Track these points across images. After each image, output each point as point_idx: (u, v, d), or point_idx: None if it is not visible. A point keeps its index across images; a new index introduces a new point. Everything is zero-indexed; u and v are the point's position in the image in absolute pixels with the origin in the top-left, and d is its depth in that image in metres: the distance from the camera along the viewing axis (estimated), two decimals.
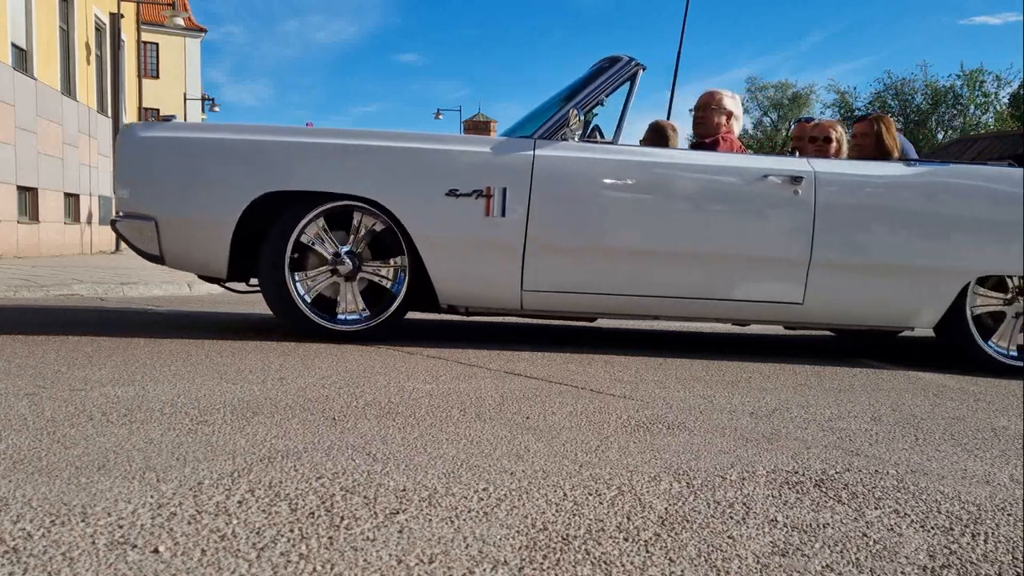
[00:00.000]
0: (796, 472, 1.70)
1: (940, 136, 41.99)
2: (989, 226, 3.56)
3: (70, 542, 1.13)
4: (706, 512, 1.41)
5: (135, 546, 1.13)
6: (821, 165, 3.54)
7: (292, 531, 1.22)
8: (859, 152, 3.90)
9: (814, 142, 3.99)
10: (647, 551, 1.22)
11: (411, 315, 4.79)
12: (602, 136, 3.78)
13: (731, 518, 1.38)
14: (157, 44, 28.05)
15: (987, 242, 3.56)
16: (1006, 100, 42.11)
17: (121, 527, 1.19)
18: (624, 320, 4.70)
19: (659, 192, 3.48)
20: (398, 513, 1.32)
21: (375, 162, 3.35)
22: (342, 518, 1.28)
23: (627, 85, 3.55)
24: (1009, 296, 3.66)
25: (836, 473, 1.71)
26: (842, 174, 3.56)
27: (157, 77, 28.13)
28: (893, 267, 3.51)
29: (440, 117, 37.27)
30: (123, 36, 16.67)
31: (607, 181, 3.44)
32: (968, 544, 1.32)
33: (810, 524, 1.37)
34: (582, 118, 3.42)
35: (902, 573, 1.19)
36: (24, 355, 2.66)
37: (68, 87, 14.10)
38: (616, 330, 4.68)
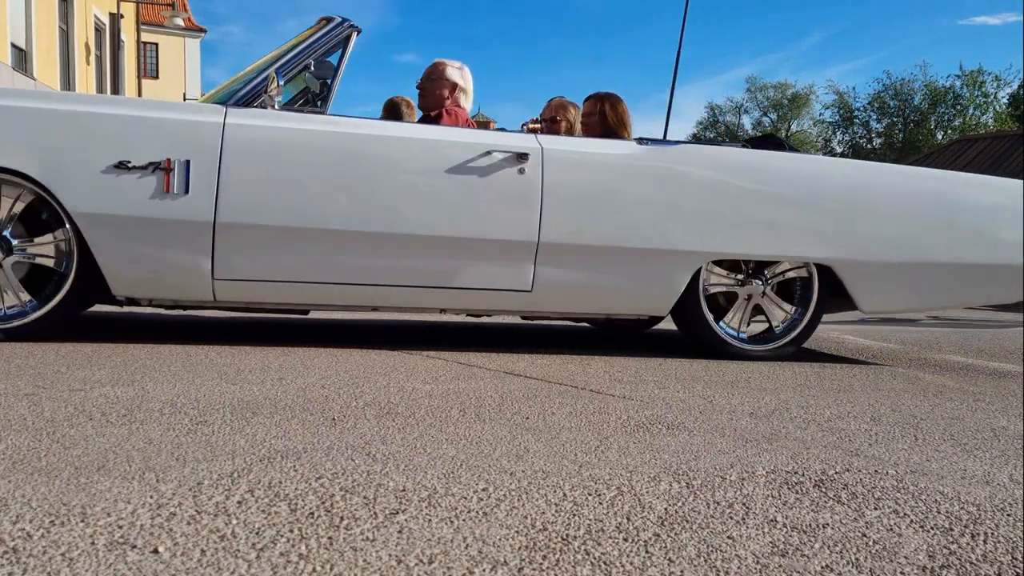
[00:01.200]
0: (796, 472, 1.70)
1: (940, 136, 41.99)
2: (723, 208, 3.46)
3: (69, 542, 1.13)
4: (706, 512, 1.41)
5: (135, 546, 1.13)
6: (549, 142, 3.34)
7: (292, 531, 1.22)
8: (587, 131, 3.78)
9: (546, 122, 3.91)
10: (647, 551, 1.22)
11: (410, 316, 4.79)
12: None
13: (731, 518, 1.38)
14: (157, 44, 28.05)
15: (719, 225, 3.45)
16: (1005, 100, 42.12)
17: (121, 527, 1.19)
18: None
19: (369, 168, 3.16)
20: (398, 513, 1.32)
21: (25, 126, 2.87)
22: (342, 518, 1.28)
23: (340, 49, 3.25)
24: (742, 277, 3.60)
25: (836, 473, 1.71)
26: (571, 152, 3.38)
27: (157, 77, 28.13)
28: (626, 251, 3.35)
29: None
30: (123, 36, 16.69)
31: (310, 155, 3.09)
32: (968, 544, 1.33)
33: (810, 524, 1.37)
34: (282, 83, 3.07)
35: (901, 573, 1.19)
36: (23, 355, 2.66)
37: (68, 87, 14.10)
38: (615, 330, 4.68)
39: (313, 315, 4.49)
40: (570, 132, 3.87)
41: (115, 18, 15.55)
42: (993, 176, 4.13)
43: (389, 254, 3.19)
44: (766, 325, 3.67)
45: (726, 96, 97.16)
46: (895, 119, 46.15)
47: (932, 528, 1.39)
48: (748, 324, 3.63)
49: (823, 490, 1.58)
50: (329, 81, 3.20)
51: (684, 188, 3.44)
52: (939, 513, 1.48)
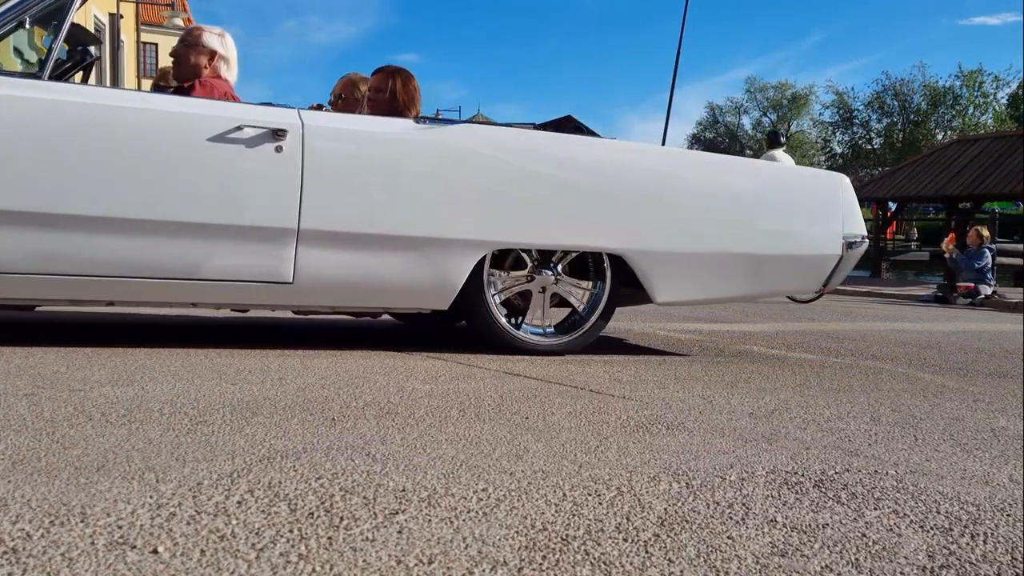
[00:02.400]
0: (795, 472, 1.70)
1: (939, 136, 42.02)
2: (508, 194, 3.23)
3: (69, 542, 1.13)
4: (705, 512, 1.41)
5: (134, 546, 1.13)
6: (312, 118, 3.03)
7: (291, 531, 1.22)
8: (374, 108, 3.46)
9: (337, 100, 3.72)
10: (646, 551, 1.22)
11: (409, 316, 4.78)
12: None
13: (730, 518, 1.38)
14: (156, 44, 28.04)
15: (504, 212, 3.22)
16: (1004, 101, 42.15)
17: (120, 527, 1.19)
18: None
19: (99, 143, 2.77)
20: (397, 513, 1.32)
21: None
22: (341, 518, 1.28)
23: (67, 8, 2.86)
24: (528, 273, 3.39)
25: (835, 473, 1.71)
26: (337, 129, 3.08)
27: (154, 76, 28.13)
28: (400, 239, 3.07)
29: (440, 117, 37.39)
30: (122, 37, 16.69)
31: (30, 126, 2.69)
32: (967, 544, 1.33)
33: (809, 524, 1.38)
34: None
35: (901, 573, 1.19)
36: (23, 355, 2.66)
37: None
38: (615, 329, 4.68)
39: (313, 315, 4.49)
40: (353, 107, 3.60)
41: (115, 18, 15.56)
42: (811, 168, 4.09)
43: (124, 242, 2.79)
44: (567, 318, 3.52)
45: (726, 96, 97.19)
46: (895, 119, 46.20)
47: (932, 528, 1.40)
48: (547, 317, 3.45)
49: (823, 490, 1.58)
50: (53, 43, 2.79)
51: (465, 172, 3.19)
52: (939, 513, 1.48)
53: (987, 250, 9.94)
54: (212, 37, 3.39)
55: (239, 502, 1.33)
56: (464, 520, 1.30)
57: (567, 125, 3.63)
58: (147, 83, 24.26)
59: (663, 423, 2.12)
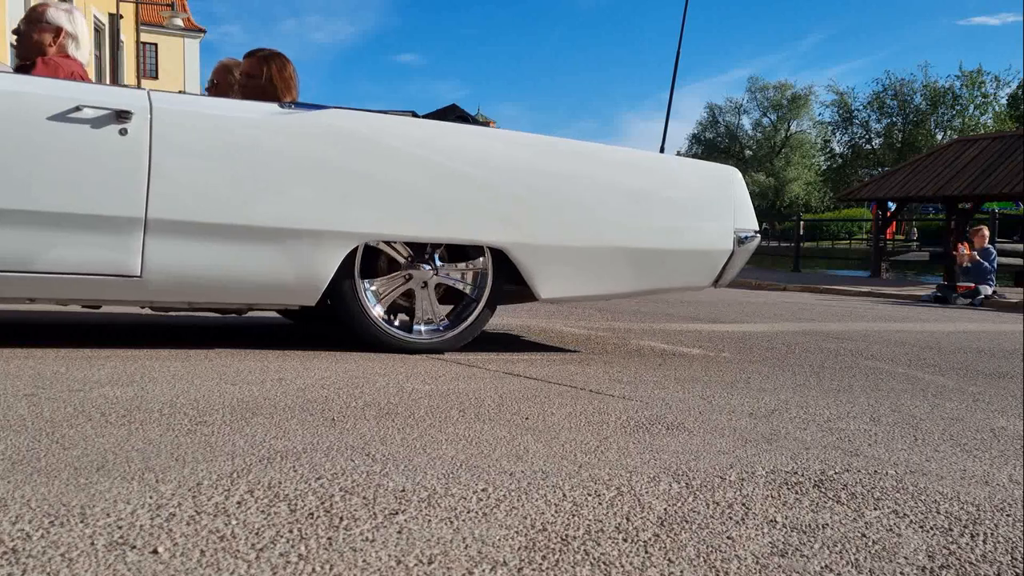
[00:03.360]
0: (795, 472, 1.70)
1: (939, 136, 42.01)
2: (381, 184, 3.05)
3: (69, 543, 1.13)
4: (705, 513, 1.41)
5: (134, 547, 1.13)
6: (162, 99, 2.83)
7: (291, 532, 1.22)
8: (246, 95, 3.29)
9: (211, 87, 3.56)
10: (646, 551, 1.22)
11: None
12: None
13: (730, 519, 1.38)
14: (156, 45, 28.07)
15: (376, 203, 3.05)
16: (1004, 101, 42.16)
17: (120, 528, 1.19)
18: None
19: None
20: (397, 514, 1.32)
21: None
22: (341, 519, 1.28)
23: None
24: (404, 272, 3.22)
25: (835, 474, 1.71)
26: (191, 112, 2.89)
27: (156, 78, 28.14)
28: (261, 230, 2.88)
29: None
30: (122, 37, 16.68)
31: None
32: (967, 545, 1.33)
33: (809, 524, 1.38)
34: None
35: (901, 573, 1.19)
36: (23, 356, 2.66)
37: None
38: (613, 330, 4.69)
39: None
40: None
41: (114, 18, 15.56)
42: (703, 161, 3.91)
43: None
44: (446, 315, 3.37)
45: (726, 96, 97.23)
46: (895, 119, 46.19)
47: (932, 528, 1.40)
48: (436, 312, 3.30)
49: (823, 490, 1.58)
50: None
51: (332, 160, 3.00)
52: (939, 513, 1.48)
53: (993, 250, 9.95)
54: (59, 13, 3.17)
55: (239, 502, 1.33)
56: (464, 520, 1.30)
57: (451, 114, 3.50)
58: (147, 83, 24.27)
59: (663, 423, 2.12)
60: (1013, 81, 41.92)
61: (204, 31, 30.00)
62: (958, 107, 43.55)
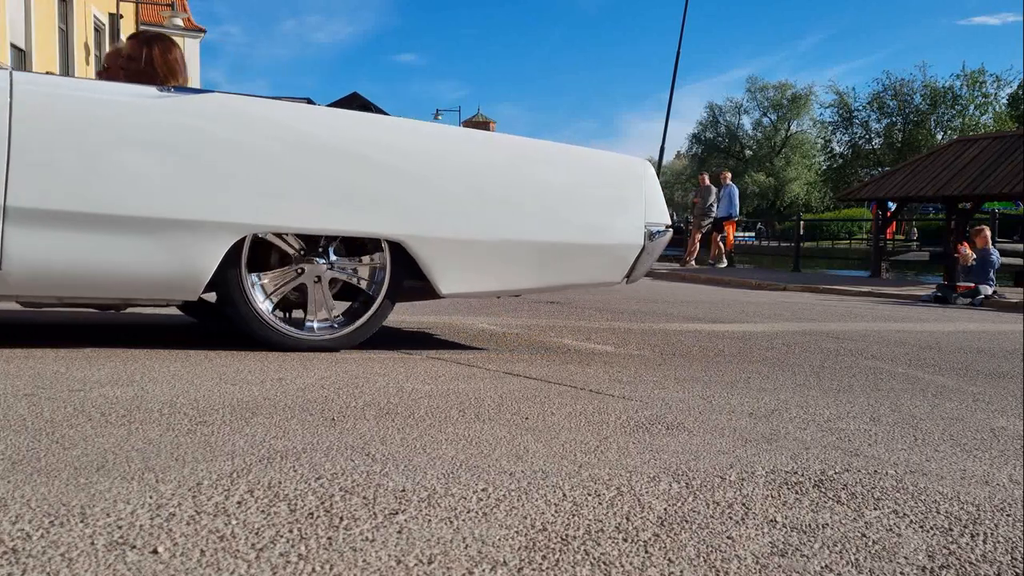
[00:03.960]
0: (795, 472, 1.70)
1: (939, 136, 42.02)
2: (270, 172, 2.89)
3: (69, 543, 1.13)
4: (705, 512, 1.41)
5: (134, 547, 1.13)
6: (26, 80, 2.67)
7: (291, 531, 1.22)
8: (128, 77, 3.12)
9: (103, 71, 3.36)
10: (646, 551, 1.22)
11: (406, 317, 4.79)
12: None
13: (730, 518, 1.38)
14: None
15: (263, 192, 2.87)
16: (1005, 101, 42.17)
17: (120, 528, 1.19)
18: (625, 321, 4.63)
19: None
20: (397, 514, 1.32)
21: None
22: (341, 519, 1.28)
23: None
24: (298, 267, 3.07)
25: (835, 473, 1.71)
26: (57, 95, 2.71)
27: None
28: (136, 220, 2.72)
29: (439, 118, 37.44)
30: (122, 37, 16.69)
31: None
32: (967, 545, 1.33)
33: (809, 524, 1.38)
34: None
35: (901, 573, 1.19)
36: (22, 355, 2.66)
37: None
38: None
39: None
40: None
41: (114, 18, 15.57)
42: (614, 152, 3.77)
43: None
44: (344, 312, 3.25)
45: (726, 96, 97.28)
46: (895, 119, 46.20)
47: (932, 528, 1.40)
48: (330, 308, 3.15)
49: (823, 490, 1.58)
50: None
51: (216, 147, 2.85)
52: (939, 513, 1.48)
53: (995, 250, 9.94)
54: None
55: (239, 502, 1.33)
56: (464, 520, 1.30)
57: (353, 103, 3.37)
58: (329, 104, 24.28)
59: (663, 423, 2.12)
60: (1014, 81, 41.95)
61: (204, 31, 29.97)
62: (958, 107, 43.55)
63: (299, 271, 3.08)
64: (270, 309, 3.04)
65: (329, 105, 3.29)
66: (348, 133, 3.09)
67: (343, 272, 3.16)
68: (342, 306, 3.29)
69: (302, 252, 3.08)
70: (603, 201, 3.56)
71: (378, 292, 3.17)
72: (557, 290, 3.72)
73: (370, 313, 3.17)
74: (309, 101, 3.14)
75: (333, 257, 3.12)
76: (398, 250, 3.13)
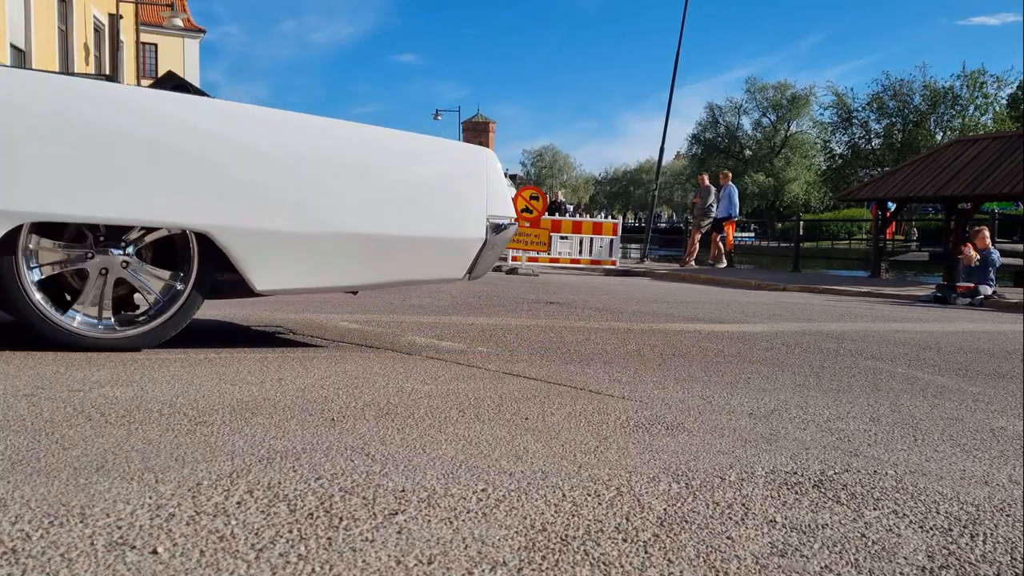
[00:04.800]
0: (795, 473, 1.70)
1: (939, 137, 42.04)
2: (53, 156, 2.63)
3: (68, 543, 1.13)
4: (705, 513, 1.41)
5: (134, 547, 1.13)
6: None
7: (291, 532, 1.22)
8: None
9: None
10: (646, 552, 1.22)
11: (406, 317, 4.79)
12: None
13: (730, 519, 1.38)
14: (156, 45, 28.06)
15: (41, 175, 2.62)
16: (1005, 101, 42.19)
17: (120, 528, 1.19)
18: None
19: None
20: (397, 514, 1.32)
21: None
22: (341, 519, 1.28)
23: None
24: (86, 250, 2.81)
25: (835, 474, 1.71)
26: None
27: (156, 78, 28.15)
28: None
29: (439, 118, 37.42)
30: (122, 37, 16.69)
31: None
32: (967, 545, 1.33)
33: (809, 525, 1.38)
34: None
35: (901, 574, 1.19)
36: (22, 356, 2.66)
37: None
38: (613, 330, 4.69)
39: (310, 314, 4.49)
40: None
41: (114, 19, 15.56)
42: (454, 141, 3.53)
43: None
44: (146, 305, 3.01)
45: (726, 96, 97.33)
46: (894, 119, 46.21)
47: (931, 528, 1.40)
48: (109, 306, 2.87)
49: (822, 490, 1.58)
50: None
51: None
52: (938, 513, 1.48)
53: (995, 250, 9.94)
54: None
55: (238, 503, 1.33)
56: (464, 520, 1.30)
57: (167, 83, 3.14)
58: (146, 83, 24.28)
59: (663, 423, 2.12)
60: (1014, 82, 41.96)
61: (204, 31, 30.00)
62: (958, 107, 43.56)
63: (88, 255, 2.81)
64: (43, 300, 2.76)
65: (149, 87, 3.08)
66: (148, 114, 2.79)
67: (137, 276, 2.90)
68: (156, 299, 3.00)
69: (96, 242, 2.83)
70: (442, 192, 3.35)
71: (185, 287, 2.93)
72: (394, 286, 3.56)
73: (174, 310, 2.92)
74: (108, 78, 2.95)
75: (129, 248, 2.87)
76: (207, 242, 2.89)
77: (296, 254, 3.01)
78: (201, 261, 2.93)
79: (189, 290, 2.94)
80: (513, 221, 3.46)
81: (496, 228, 3.36)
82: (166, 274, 2.95)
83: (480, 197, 3.35)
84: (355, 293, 4.34)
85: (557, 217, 13.77)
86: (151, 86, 3.15)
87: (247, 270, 2.91)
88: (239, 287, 3.04)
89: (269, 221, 2.93)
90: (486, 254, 3.38)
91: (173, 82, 3.15)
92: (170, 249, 2.98)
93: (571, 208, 24.36)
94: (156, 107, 2.82)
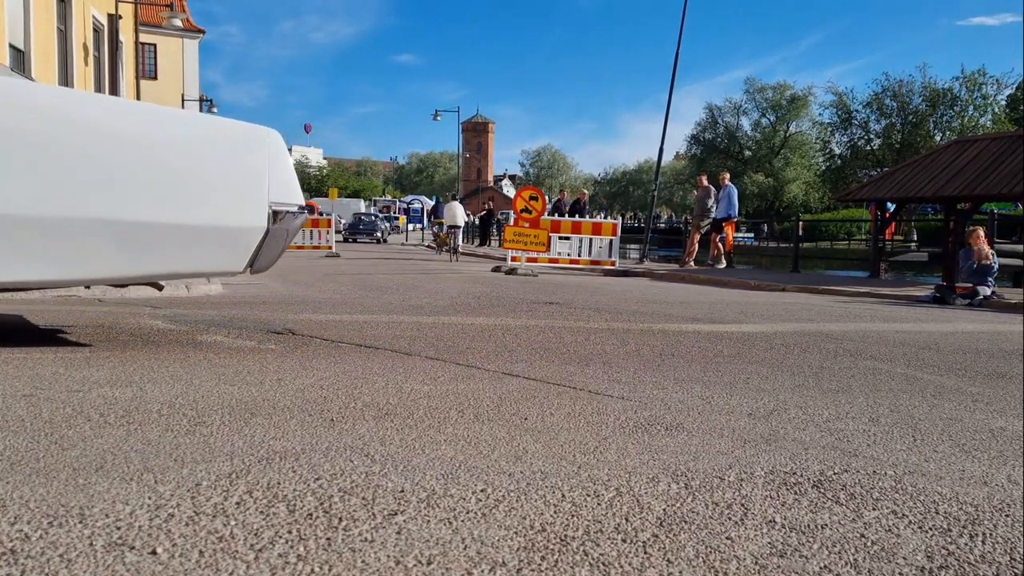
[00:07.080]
0: (794, 473, 1.70)
1: (938, 137, 42.07)
2: None
3: (68, 543, 1.13)
4: (704, 513, 1.41)
5: (133, 547, 1.13)
6: None
7: (290, 532, 1.22)
8: None
9: None
10: (645, 552, 1.22)
11: (406, 317, 4.79)
12: None
13: (729, 519, 1.38)
14: (155, 45, 28.04)
15: None
16: (1004, 102, 42.22)
17: (119, 528, 1.19)
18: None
19: None
20: (396, 514, 1.32)
21: None
22: (340, 519, 1.28)
23: None
24: None
25: (834, 474, 1.71)
26: None
27: (155, 78, 28.12)
28: None
29: (438, 118, 37.35)
30: (121, 37, 16.68)
31: None
32: (966, 545, 1.33)
33: (808, 525, 1.38)
34: None
35: (900, 574, 1.19)
36: (22, 356, 2.65)
37: None
38: (612, 330, 4.69)
39: (308, 314, 4.48)
40: None
41: (113, 19, 15.56)
42: (231, 119, 3.21)
43: None
44: None
45: (725, 97, 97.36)
46: (893, 120, 46.23)
47: (931, 529, 1.40)
48: None
49: (822, 491, 1.58)
50: None
51: None
52: (937, 514, 1.48)
53: (992, 252, 9.93)
54: None
55: (238, 503, 1.33)
56: (463, 521, 1.30)
57: None
58: (145, 84, 24.26)
59: (662, 424, 2.12)
60: (1013, 84, 41.98)
61: (203, 31, 29.97)
62: (957, 108, 43.57)
63: None
64: None
65: None
66: None
67: None
68: None
69: None
70: (213, 174, 2.99)
71: None
72: (154, 279, 3.12)
73: None
74: None
75: None
76: None
77: (28, 242, 2.62)
78: None
79: None
80: (301, 209, 3.15)
81: (279, 215, 3.04)
82: None
83: (260, 182, 3.02)
84: (160, 288, 3.92)
85: (577, 219, 13.78)
86: None
87: None
88: None
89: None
90: (269, 244, 3.06)
91: None
92: None
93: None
94: None
